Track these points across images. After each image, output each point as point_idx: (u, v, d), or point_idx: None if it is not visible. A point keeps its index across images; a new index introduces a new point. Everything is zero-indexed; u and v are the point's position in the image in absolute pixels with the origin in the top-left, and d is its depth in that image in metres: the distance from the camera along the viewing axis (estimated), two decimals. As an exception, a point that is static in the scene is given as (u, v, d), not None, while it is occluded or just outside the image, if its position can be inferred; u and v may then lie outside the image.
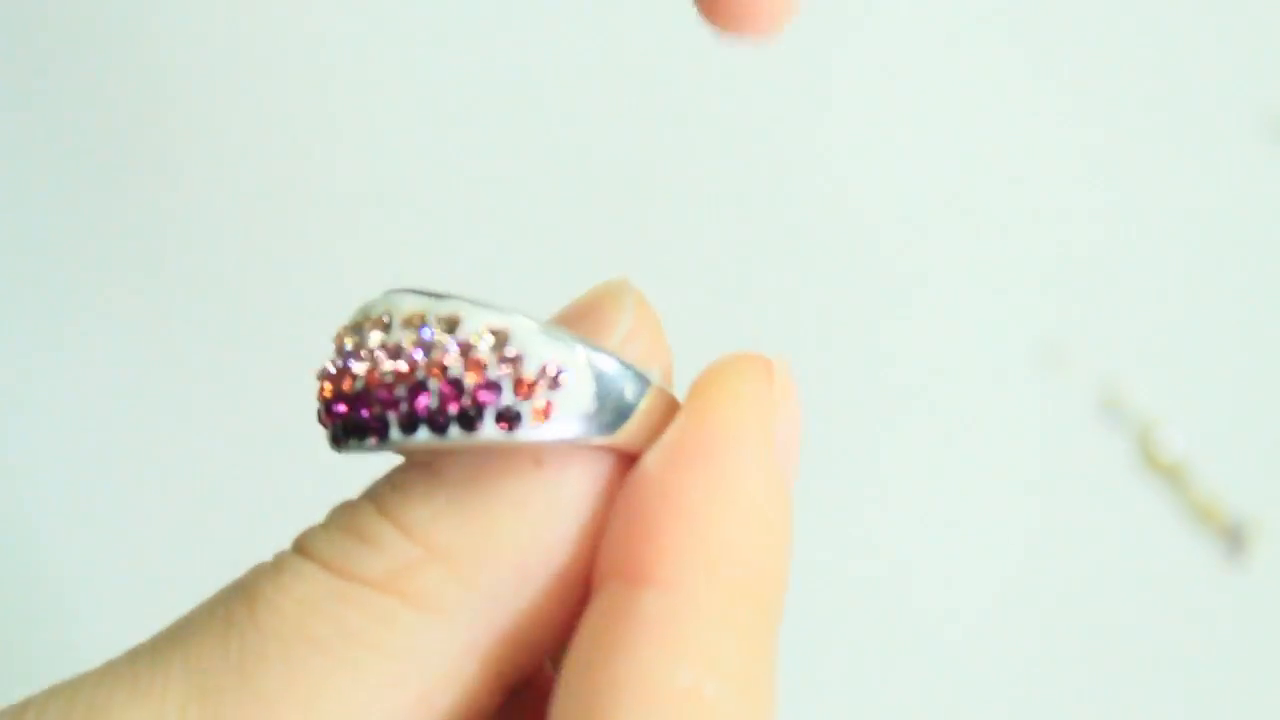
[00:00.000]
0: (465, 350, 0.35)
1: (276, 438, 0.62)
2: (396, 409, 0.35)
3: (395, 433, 0.35)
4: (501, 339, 0.35)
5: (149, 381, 0.73)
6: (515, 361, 0.34)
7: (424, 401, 0.35)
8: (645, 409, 0.36)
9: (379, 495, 0.37)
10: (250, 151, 0.77)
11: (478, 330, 0.35)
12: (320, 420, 0.37)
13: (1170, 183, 0.86)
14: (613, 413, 0.36)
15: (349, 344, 0.36)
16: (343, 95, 0.79)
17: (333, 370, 0.37)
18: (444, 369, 0.35)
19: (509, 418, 0.34)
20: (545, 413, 0.34)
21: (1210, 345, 0.84)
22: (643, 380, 0.36)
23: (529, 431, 0.34)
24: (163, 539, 0.66)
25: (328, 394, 0.37)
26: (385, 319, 0.36)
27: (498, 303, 0.35)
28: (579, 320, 0.38)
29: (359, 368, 0.36)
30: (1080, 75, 0.87)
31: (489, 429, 0.34)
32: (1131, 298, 0.84)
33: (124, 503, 0.71)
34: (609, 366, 0.36)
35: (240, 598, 0.35)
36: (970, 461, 0.82)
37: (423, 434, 0.35)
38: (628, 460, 0.36)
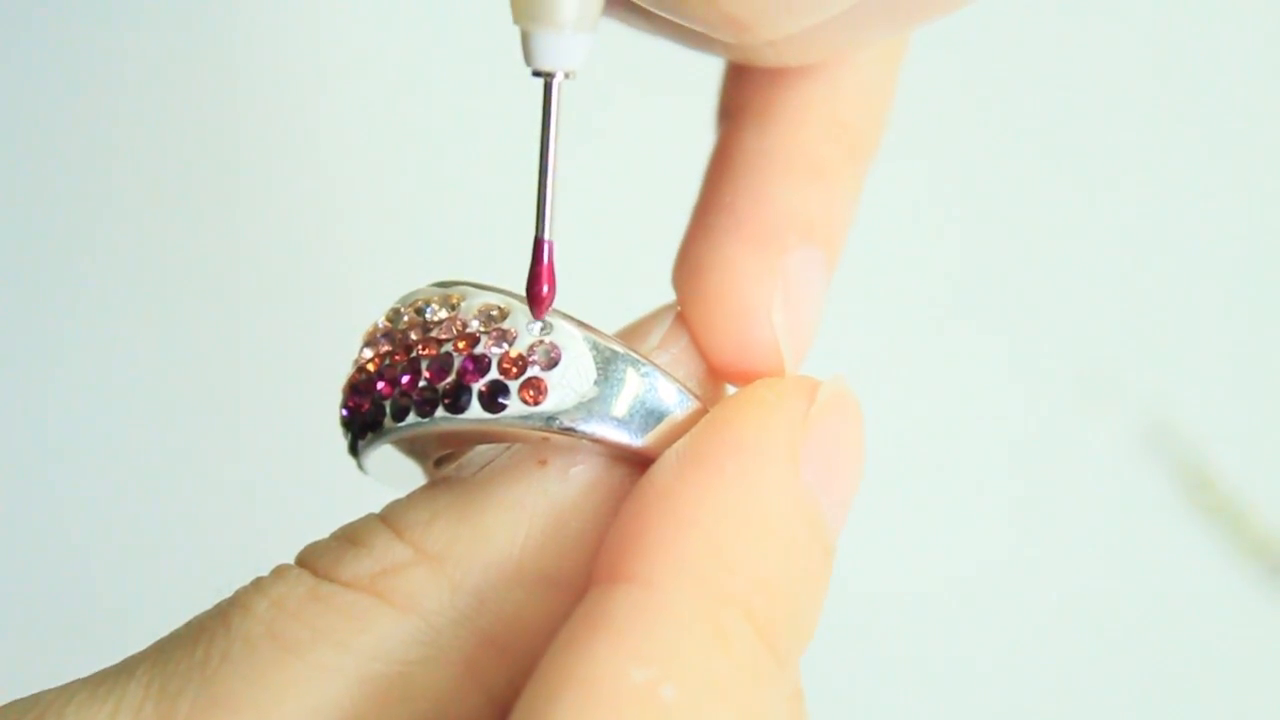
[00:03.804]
0: (460, 326, 0.33)
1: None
2: (391, 394, 0.33)
3: (388, 420, 0.33)
4: (497, 317, 0.33)
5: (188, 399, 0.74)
6: (506, 338, 0.32)
7: (411, 381, 0.33)
8: (677, 418, 0.34)
9: (387, 505, 0.35)
10: (276, 162, 0.77)
11: (472, 307, 0.33)
12: (342, 426, 0.36)
13: (1218, 215, 0.82)
14: (644, 419, 0.33)
15: (365, 339, 0.35)
16: (358, 102, 0.79)
17: (351, 370, 0.35)
18: (438, 344, 0.33)
19: (495, 394, 0.32)
20: (537, 390, 0.32)
21: (1256, 375, 0.80)
22: (676, 390, 0.34)
23: (518, 408, 0.32)
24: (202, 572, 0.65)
25: (342, 395, 0.35)
26: (398, 308, 0.34)
27: (511, 289, 0.33)
28: (626, 335, 0.36)
29: (366, 354, 0.34)
30: (1129, 106, 0.84)
31: (474, 408, 0.32)
32: (1176, 331, 0.81)
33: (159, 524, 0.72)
34: (642, 370, 0.33)
35: (222, 603, 0.34)
36: (1016, 494, 0.78)
37: (411, 417, 0.33)
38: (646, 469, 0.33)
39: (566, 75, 0.32)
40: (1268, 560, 0.76)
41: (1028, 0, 0.82)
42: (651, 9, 0.32)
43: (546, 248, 0.32)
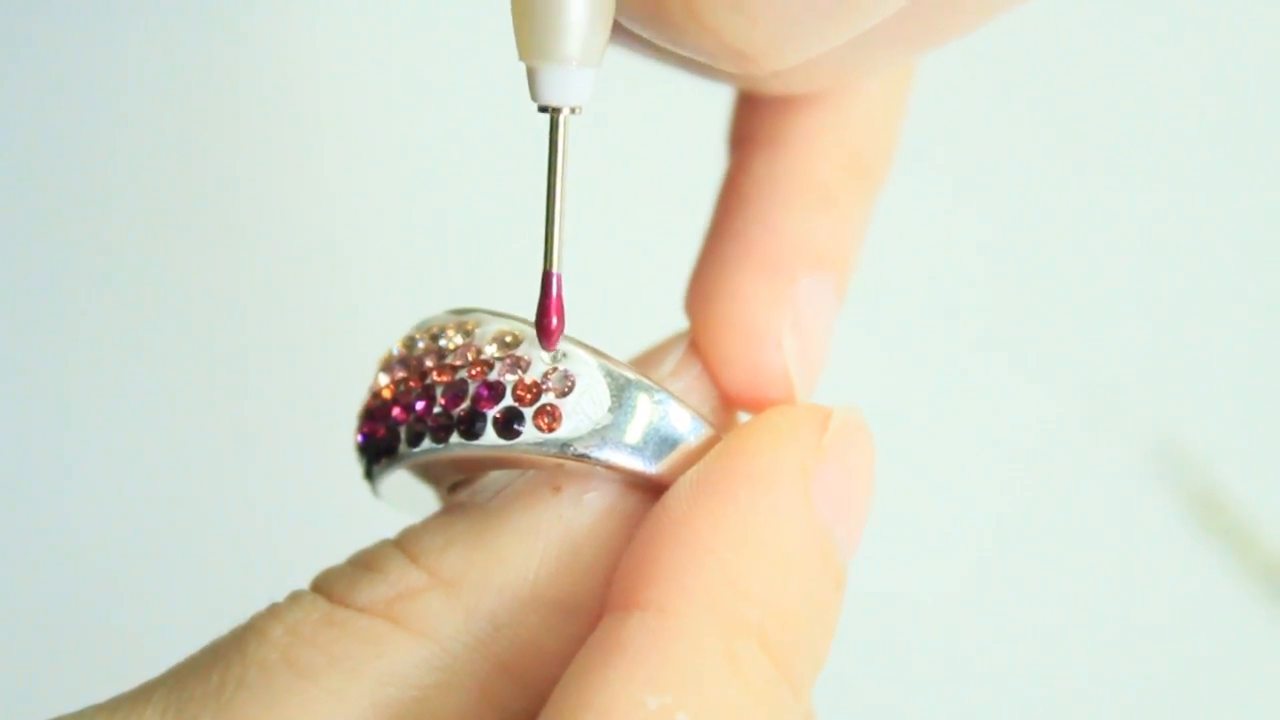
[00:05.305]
0: (474, 353, 0.33)
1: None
2: (406, 419, 0.33)
3: (403, 446, 0.33)
4: (511, 344, 0.33)
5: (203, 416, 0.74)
6: (521, 365, 0.32)
7: (426, 407, 0.33)
8: (691, 445, 0.34)
9: (402, 531, 0.35)
10: (291, 174, 0.77)
11: (487, 334, 0.33)
12: (358, 452, 0.36)
13: (1231, 235, 0.82)
14: (657, 446, 0.33)
15: (381, 365, 0.35)
16: (374, 134, 0.80)
17: (366, 396, 0.35)
18: (453, 370, 0.33)
19: (510, 420, 0.32)
20: (552, 417, 0.32)
21: (1266, 396, 0.80)
22: (689, 417, 0.34)
23: (533, 435, 0.32)
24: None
25: (358, 422, 0.35)
26: (414, 335, 0.35)
27: (525, 316, 0.34)
28: (639, 362, 0.37)
29: (382, 380, 0.34)
30: (1141, 124, 0.84)
31: (489, 434, 0.32)
32: (1185, 351, 0.80)
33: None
34: (655, 397, 0.33)
35: (237, 629, 0.34)
36: (1024, 513, 0.78)
37: (426, 443, 0.33)
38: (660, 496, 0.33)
39: (573, 110, 0.32)
40: (1276, 581, 0.76)
41: (1036, 20, 0.82)
42: (656, 41, 0.32)
43: (555, 281, 0.33)
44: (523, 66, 0.32)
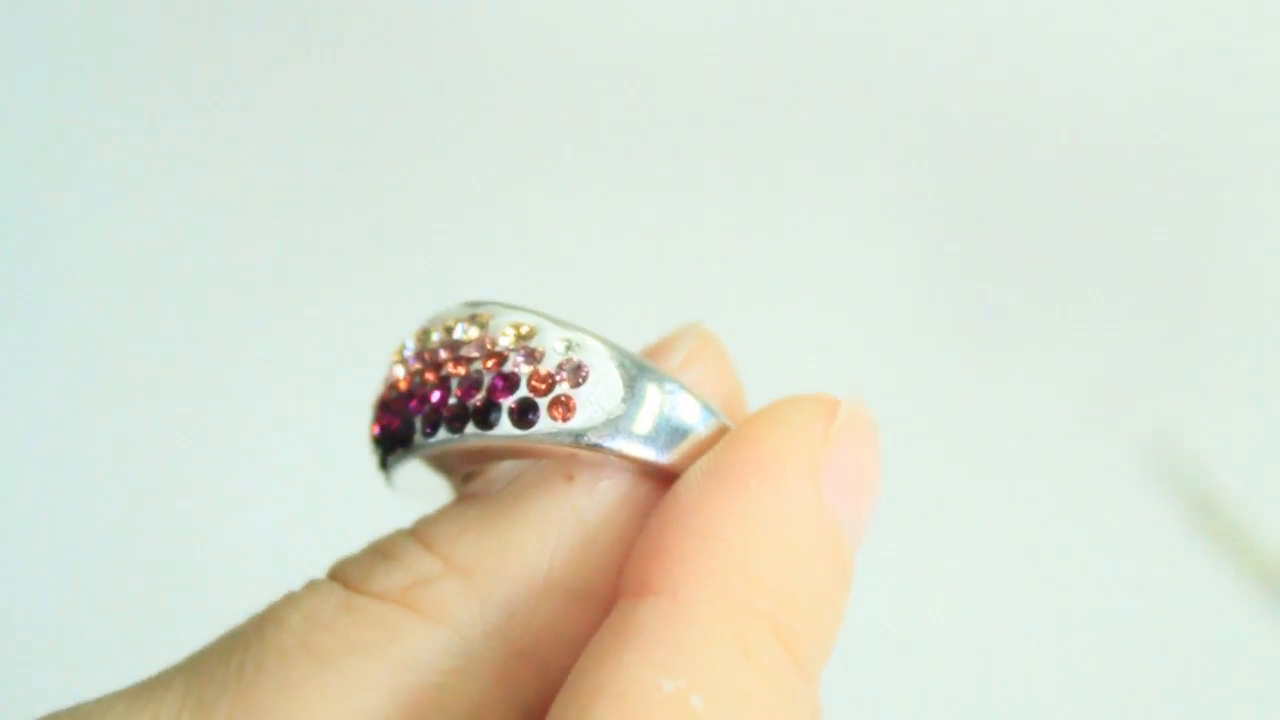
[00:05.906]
0: (489, 345, 0.34)
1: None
2: (421, 411, 0.34)
3: (419, 437, 0.34)
4: (525, 335, 0.33)
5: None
6: (535, 356, 0.33)
7: (442, 398, 0.33)
8: (701, 435, 0.34)
9: (418, 520, 0.35)
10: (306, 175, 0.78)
11: (501, 326, 0.34)
12: (373, 443, 0.36)
13: (1229, 234, 0.83)
14: (668, 436, 0.34)
15: (395, 357, 0.36)
16: (388, 135, 0.80)
17: (381, 389, 0.36)
18: (468, 362, 0.34)
19: (524, 411, 0.33)
20: (566, 407, 0.33)
21: (1263, 398, 0.81)
22: (700, 407, 0.34)
23: (547, 425, 0.33)
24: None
25: (373, 414, 0.36)
26: (428, 327, 0.35)
27: (538, 308, 0.34)
28: (650, 353, 0.37)
29: (398, 372, 0.35)
30: (1140, 119, 0.84)
31: (504, 425, 0.33)
32: (1182, 352, 0.81)
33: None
34: (666, 387, 0.34)
35: (255, 617, 0.34)
36: (1019, 515, 0.79)
37: (441, 433, 0.33)
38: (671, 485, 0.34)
39: None
40: (1274, 584, 0.76)
41: (1034, 14, 0.83)
42: None
43: None
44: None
